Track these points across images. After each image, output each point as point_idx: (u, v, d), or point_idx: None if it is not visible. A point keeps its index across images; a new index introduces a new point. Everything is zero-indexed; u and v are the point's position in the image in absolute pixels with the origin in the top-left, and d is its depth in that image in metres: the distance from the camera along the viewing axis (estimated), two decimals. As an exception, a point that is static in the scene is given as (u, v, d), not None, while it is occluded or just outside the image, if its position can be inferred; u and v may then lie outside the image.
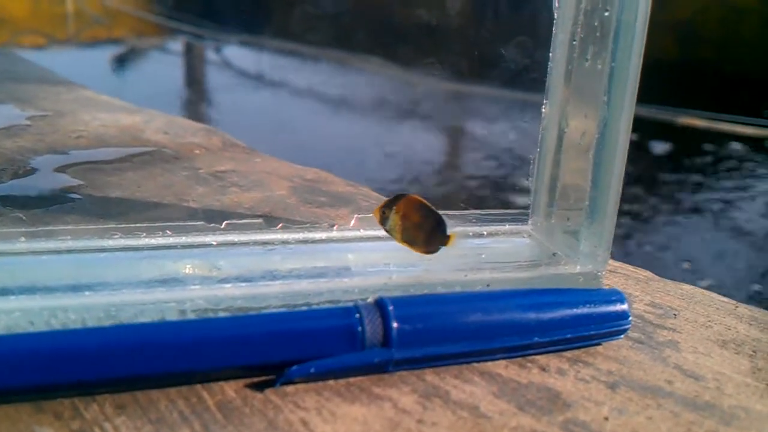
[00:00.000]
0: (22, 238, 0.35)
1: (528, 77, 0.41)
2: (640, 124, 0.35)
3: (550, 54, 0.39)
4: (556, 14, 0.38)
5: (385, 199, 0.37)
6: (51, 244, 0.35)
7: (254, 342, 0.28)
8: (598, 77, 0.35)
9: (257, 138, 0.66)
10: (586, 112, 0.37)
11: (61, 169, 0.53)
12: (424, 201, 0.36)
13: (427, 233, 0.36)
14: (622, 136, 0.35)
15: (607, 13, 0.35)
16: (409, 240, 0.36)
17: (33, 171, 0.52)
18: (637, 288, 0.40)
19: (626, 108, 0.34)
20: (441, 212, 0.37)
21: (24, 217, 0.43)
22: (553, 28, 0.39)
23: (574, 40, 0.37)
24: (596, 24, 0.36)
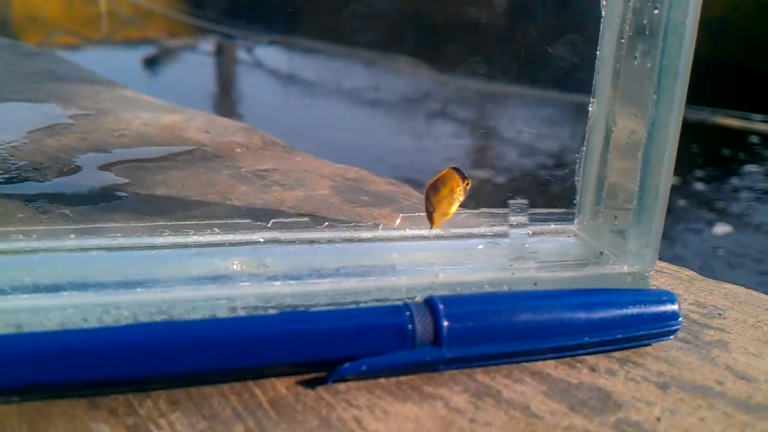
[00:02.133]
0: (72, 235, 0.36)
1: (575, 77, 0.41)
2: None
3: (598, 52, 0.39)
4: (603, 12, 0.38)
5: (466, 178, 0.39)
6: (101, 241, 0.36)
7: (306, 339, 0.29)
8: (647, 76, 0.35)
9: (292, 137, 0.66)
10: (634, 111, 0.37)
11: (106, 167, 0.54)
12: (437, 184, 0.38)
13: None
14: (672, 135, 0.34)
15: (656, 11, 0.34)
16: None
17: (77, 169, 0.53)
18: (681, 287, 0.40)
19: (676, 107, 0.34)
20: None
21: (71, 214, 0.43)
22: (601, 26, 0.38)
23: (623, 38, 0.37)
24: (645, 22, 0.35)
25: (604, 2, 0.38)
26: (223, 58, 3.65)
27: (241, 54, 3.62)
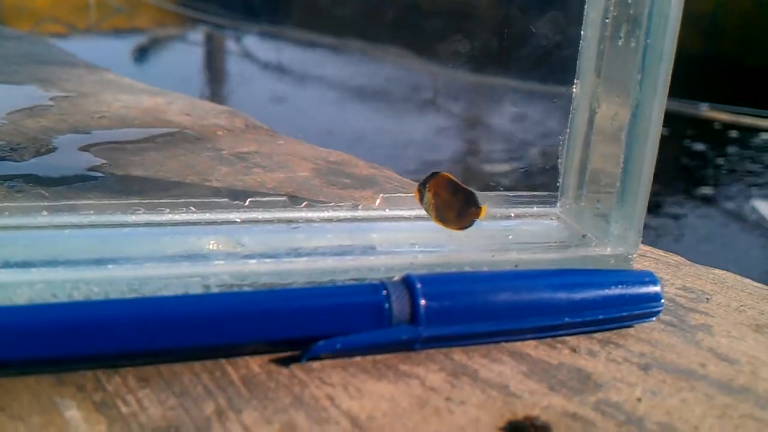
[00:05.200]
0: (44, 212, 0.35)
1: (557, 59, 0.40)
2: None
3: (582, 33, 0.38)
4: (587, -8, 0.37)
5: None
6: (73, 219, 0.35)
7: (280, 316, 0.28)
8: (631, 56, 0.34)
9: (276, 126, 0.65)
10: (618, 93, 0.36)
11: (84, 149, 0.53)
12: (453, 178, 0.36)
13: (458, 210, 0.36)
14: (656, 117, 0.34)
15: (641, -10, 0.34)
16: (441, 218, 0.36)
17: (55, 150, 0.52)
18: (668, 272, 0.39)
19: (660, 88, 0.33)
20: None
21: (46, 194, 0.43)
22: (585, 7, 0.38)
23: (607, 18, 0.37)
24: (629, 2, 0.35)
25: (589, -19, 0.37)
26: (212, 48, 3.64)
27: (230, 44, 3.61)
